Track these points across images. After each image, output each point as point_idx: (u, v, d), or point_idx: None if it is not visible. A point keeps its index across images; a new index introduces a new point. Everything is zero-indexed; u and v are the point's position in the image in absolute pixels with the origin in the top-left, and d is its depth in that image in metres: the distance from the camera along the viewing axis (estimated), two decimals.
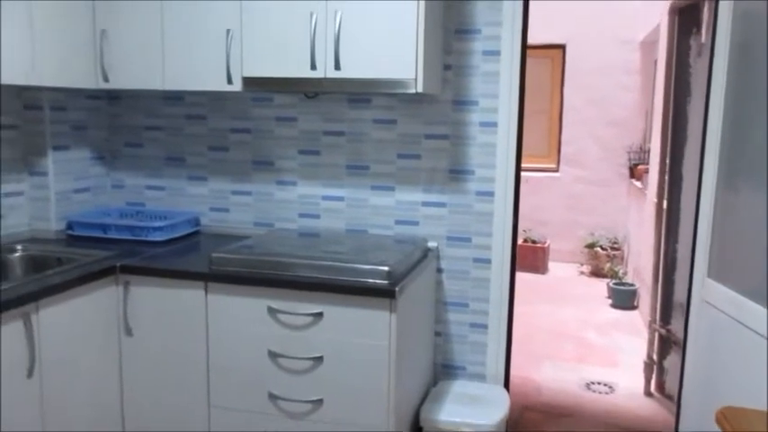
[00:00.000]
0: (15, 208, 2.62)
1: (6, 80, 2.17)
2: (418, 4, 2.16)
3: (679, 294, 3.23)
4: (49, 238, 2.66)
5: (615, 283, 5.22)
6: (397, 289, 2.04)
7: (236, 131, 2.82)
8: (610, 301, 5.19)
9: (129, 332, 2.31)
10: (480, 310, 2.64)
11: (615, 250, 6.06)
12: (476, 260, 2.62)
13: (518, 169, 2.58)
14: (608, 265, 5.85)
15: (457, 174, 2.60)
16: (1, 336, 1.85)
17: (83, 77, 2.50)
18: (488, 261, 2.61)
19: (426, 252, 2.54)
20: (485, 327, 2.64)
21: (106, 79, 2.54)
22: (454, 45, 2.54)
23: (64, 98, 2.70)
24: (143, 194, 2.98)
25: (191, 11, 2.42)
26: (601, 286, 5.55)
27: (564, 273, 6.20)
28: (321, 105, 2.70)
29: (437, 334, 2.69)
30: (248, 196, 2.85)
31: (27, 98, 2.62)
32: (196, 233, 2.85)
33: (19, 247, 2.48)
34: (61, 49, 2.38)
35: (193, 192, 2.91)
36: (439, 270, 2.66)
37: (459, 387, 2.61)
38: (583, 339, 4.36)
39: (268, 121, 2.78)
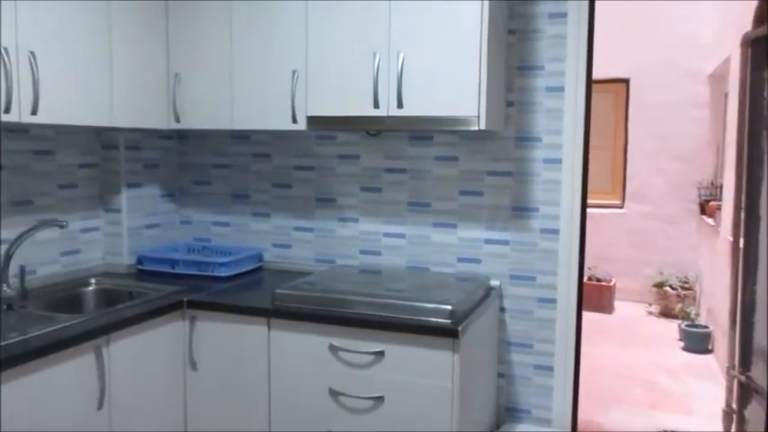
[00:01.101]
0: (91, 243, 2.74)
1: (88, 121, 2.29)
2: (481, 42, 2.17)
3: (759, 338, 3.04)
4: (121, 272, 2.75)
5: (687, 325, 4.97)
6: (460, 328, 2.00)
7: (300, 169, 2.88)
8: (681, 343, 4.94)
9: (194, 366, 2.35)
10: (545, 351, 2.55)
11: (686, 290, 5.79)
12: (540, 300, 2.55)
13: (584, 206, 2.51)
14: (679, 305, 5.59)
15: (520, 211, 2.56)
16: (74, 368, 1.91)
17: (156, 118, 2.61)
18: (553, 301, 2.53)
19: (489, 291, 2.50)
20: (550, 369, 2.55)
21: (178, 120, 2.65)
22: (517, 82, 2.53)
23: (138, 138, 2.83)
24: (209, 230, 3.06)
25: (258, 54, 2.50)
26: (671, 328, 5.30)
27: (631, 312, 5.96)
28: (383, 143, 2.73)
29: (500, 375, 2.62)
30: (310, 233, 2.88)
31: (105, 138, 2.76)
32: (259, 269, 2.89)
33: (93, 280, 2.58)
34: (138, 93, 2.50)
35: (257, 228, 2.97)
36: (502, 309, 2.60)
37: (523, 431, 2.51)
38: (653, 383, 4.15)
39: (331, 159, 2.82)
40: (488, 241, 2.61)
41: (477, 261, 2.63)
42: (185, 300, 2.34)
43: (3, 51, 1.95)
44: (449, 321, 2.04)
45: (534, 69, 2.50)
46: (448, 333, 2.00)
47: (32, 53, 2.04)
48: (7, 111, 1.97)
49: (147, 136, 2.87)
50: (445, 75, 2.22)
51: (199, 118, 2.63)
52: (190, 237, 3.10)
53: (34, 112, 2.05)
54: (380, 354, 2.10)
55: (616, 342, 5.04)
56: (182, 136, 3.06)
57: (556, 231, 2.52)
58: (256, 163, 2.95)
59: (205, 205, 3.06)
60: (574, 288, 2.51)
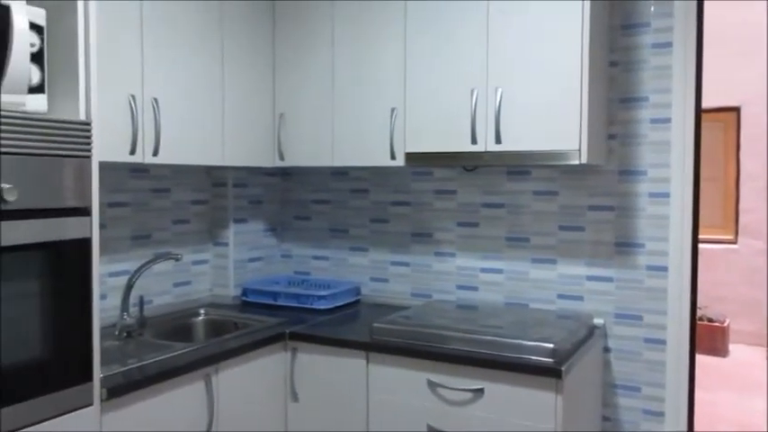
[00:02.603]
0: (200, 275, 2.90)
1: (202, 161, 2.45)
2: (581, 75, 2.14)
3: None
4: (227, 303, 2.88)
5: None
6: (563, 368, 1.93)
7: (397, 204, 2.92)
8: None
9: (295, 397, 2.41)
10: (655, 395, 2.41)
11: None
12: (648, 340, 2.42)
13: (695, 242, 2.38)
14: None
15: (624, 247, 2.46)
16: (186, 394, 2.02)
17: (262, 157, 2.75)
18: (663, 342, 2.40)
19: (592, 329, 2.40)
20: (661, 414, 2.40)
21: (282, 158, 2.78)
22: (619, 114, 2.46)
23: (245, 175, 2.98)
24: (309, 264, 3.16)
25: (359, 93, 2.59)
26: None
27: (748, 356, 5.51)
28: (480, 178, 2.72)
29: (605, 419, 2.50)
30: (407, 267, 2.90)
31: (215, 176, 2.93)
32: (357, 302, 2.94)
33: (202, 311, 2.72)
34: (246, 133, 2.65)
35: (355, 262, 3.03)
36: (606, 349, 2.49)
37: None
38: None
39: (427, 194, 2.84)
40: (590, 278, 2.52)
41: (579, 298, 2.54)
42: (287, 332, 2.41)
43: (131, 99, 2.13)
44: (551, 360, 1.98)
45: (638, 101, 2.43)
46: (551, 373, 1.94)
47: (155, 99, 2.22)
48: (132, 152, 2.15)
49: (252, 173, 3.03)
50: (545, 109, 2.20)
51: (301, 156, 2.75)
52: (290, 270, 3.20)
53: (155, 154, 2.22)
54: (480, 391, 2.06)
55: (733, 388, 4.67)
56: (285, 173, 3.20)
57: (664, 268, 2.40)
58: (354, 199, 3.03)
59: (305, 240, 3.16)
60: (685, 328, 2.37)
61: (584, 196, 2.53)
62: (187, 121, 2.37)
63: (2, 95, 1.51)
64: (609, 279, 2.49)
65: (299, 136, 2.74)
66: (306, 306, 2.76)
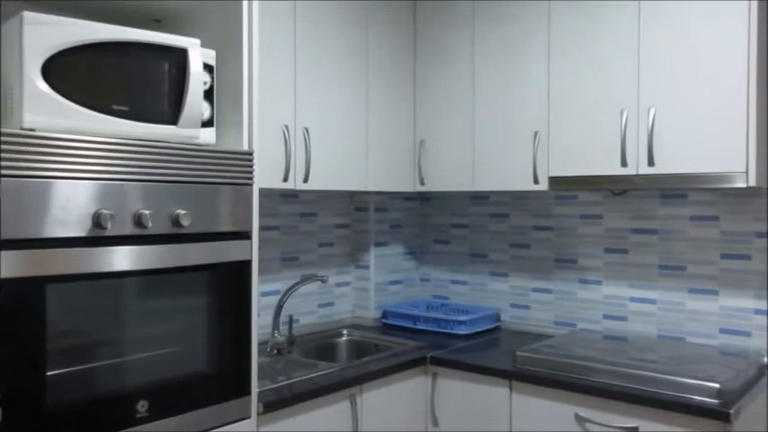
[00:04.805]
0: (343, 296, 3.00)
1: (347, 186, 2.55)
2: (749, 89, 1.98)
3: None
4: (368, 325, 2.95)
5: None
6: (731, 411, 1.76)
7: (538, 229, 2.85)
8: None
9: (435, 422, 2.40)
10: None
11: None
12: None
13: None
14: None
15: None
16: (332, 413, 2.08)
17: (403, 182, 2.81)
18: None
19: (763, 369, 2.17)
20: None
21: (422, 183, 2.81)
22: None
23: (385, 200, 3.06)
24: (447, 288, 3.15)
25: (500, 117, 2.57)
26: None
27: None
28: (629, 202, 2.58)
29: None
30: (549, 294, 2.81)
31: (358, 201, 3.03)
32: (496, 329, 2.89)
33: (344, 331, 2.80)
34: (388, 159, 2.72)
35: (494, 287, 2.98)
36: None
37: None
38: None
39: (571, 219, 2.75)
40: (759, 311, 2.29)
41: (746, 334, 2.32)
42: (428, 356, 2.41)
43: (284, 129, 2.27)
44: (716, 402, 1.82)
45: None
46: (718, 415, 1.78)
47: (306, 129, 2.35)
48: (285, 179, 2.28)
49: (393, 198, 3.09)
50: (705, 128, 2.06)
51: (441, 180, 2.77)
52: (428, 294, 3.22)
53: (305, 180, 2.35)
54: (633, 430, 1.93)
55: None
56: (424, 198, 3.23)
57: None
58: (494, 223, 2.99)
59: (444, 264, 3.17)
60: None
61: (750, 221, 2.32)
62: (334, 149, 2.48)
63: (180, 130, 1.68)
64: None
65: (439, 161, 2.77)
66: (445, 330, 2.76)
